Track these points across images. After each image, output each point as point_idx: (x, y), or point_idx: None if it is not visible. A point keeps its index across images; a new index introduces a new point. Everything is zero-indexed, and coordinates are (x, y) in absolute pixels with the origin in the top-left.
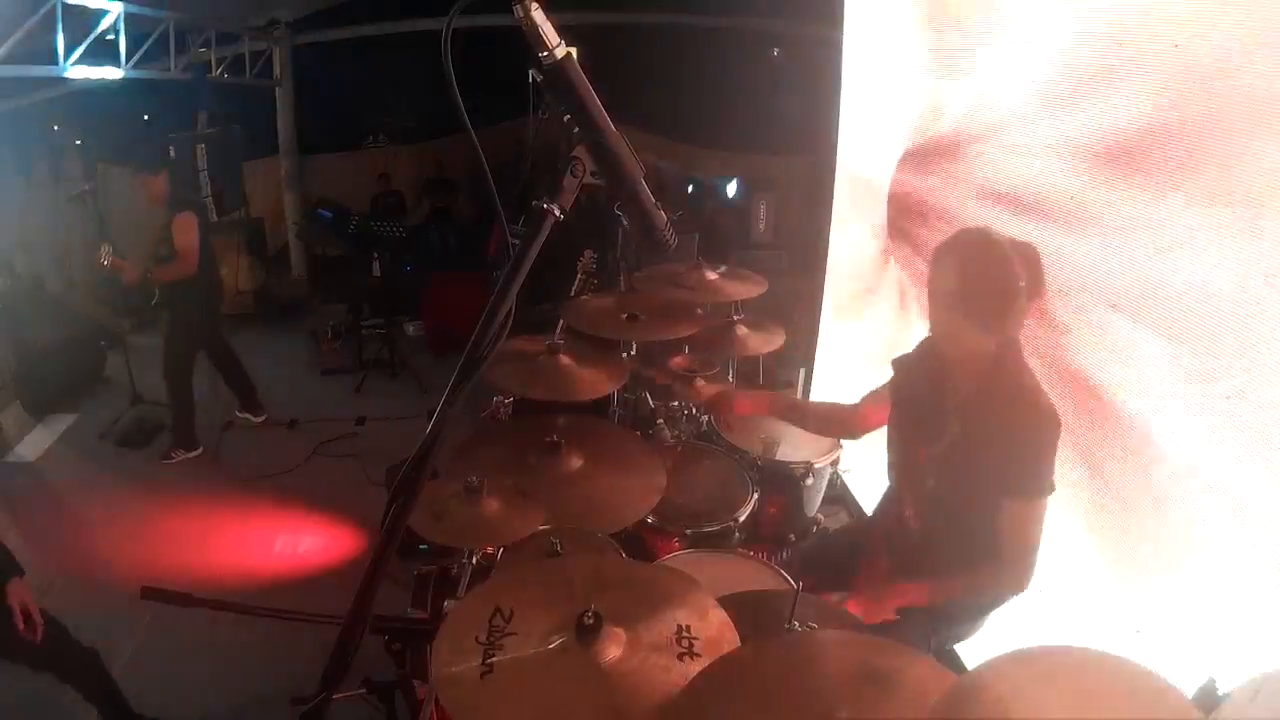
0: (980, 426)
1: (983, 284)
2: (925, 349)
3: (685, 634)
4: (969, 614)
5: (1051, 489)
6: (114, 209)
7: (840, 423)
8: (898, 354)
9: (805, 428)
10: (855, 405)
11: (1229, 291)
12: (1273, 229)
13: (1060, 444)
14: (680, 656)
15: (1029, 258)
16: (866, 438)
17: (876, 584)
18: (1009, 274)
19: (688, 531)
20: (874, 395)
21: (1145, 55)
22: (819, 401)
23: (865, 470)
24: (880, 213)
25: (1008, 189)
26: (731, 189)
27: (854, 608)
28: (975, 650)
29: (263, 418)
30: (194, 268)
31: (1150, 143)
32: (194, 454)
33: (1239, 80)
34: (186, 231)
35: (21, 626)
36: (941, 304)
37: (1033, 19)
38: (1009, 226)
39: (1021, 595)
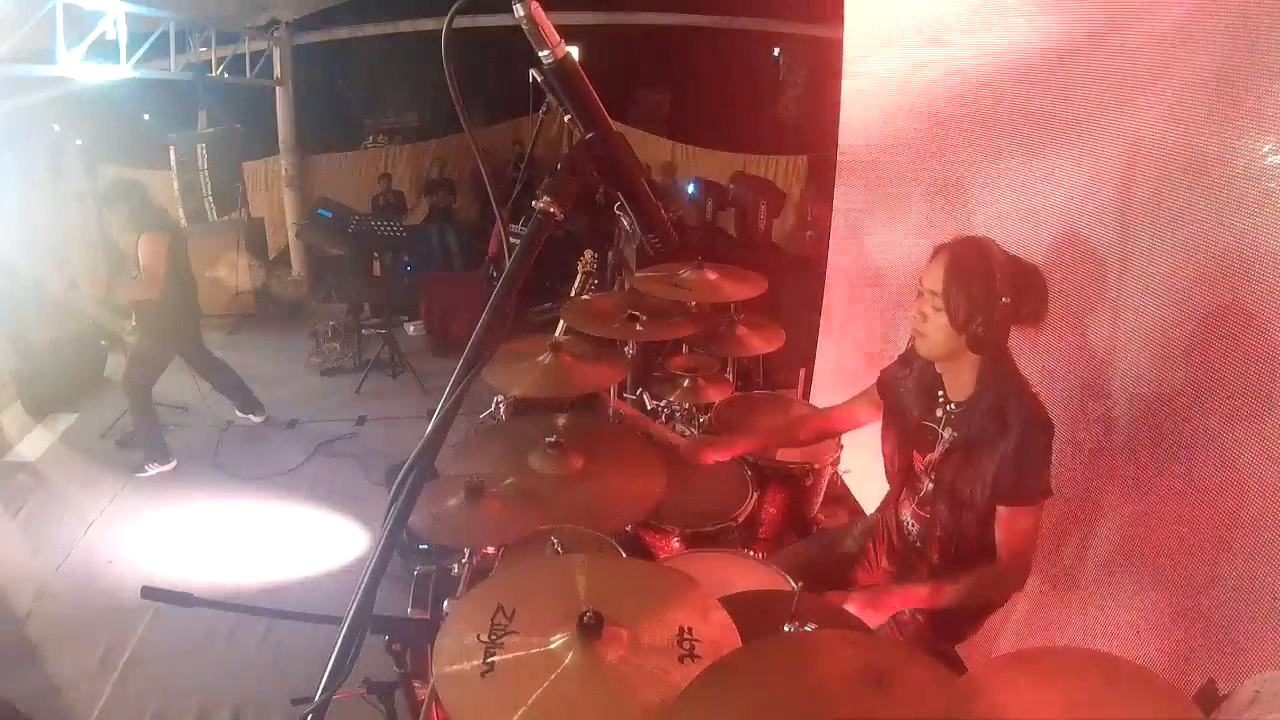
0: (971, 434)
1: (964, 290)
2: (909, 355)
3: (687, 636)
4: (969, 614)
5: (1048, 493)
6: None
7: (822, 432)
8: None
9: (792, 445)
10: (828, 411)
11: None
12: None
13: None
14: (681, 659)
15: (1028, 281)
16: (867, 440)
17: (877, 585)
18: (991, 286)
19: (688, 531)
20: (852, 401)
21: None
22: (795, 417)
23: (865, 470)
24: (878, 212)
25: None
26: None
27: (853, 603)
28: (975, 650)
29: (263, 418)
30: (156, 291)
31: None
32: (168, 467)
33: None
34: (151, 253)
35: None
36: (926, 303)
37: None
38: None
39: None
